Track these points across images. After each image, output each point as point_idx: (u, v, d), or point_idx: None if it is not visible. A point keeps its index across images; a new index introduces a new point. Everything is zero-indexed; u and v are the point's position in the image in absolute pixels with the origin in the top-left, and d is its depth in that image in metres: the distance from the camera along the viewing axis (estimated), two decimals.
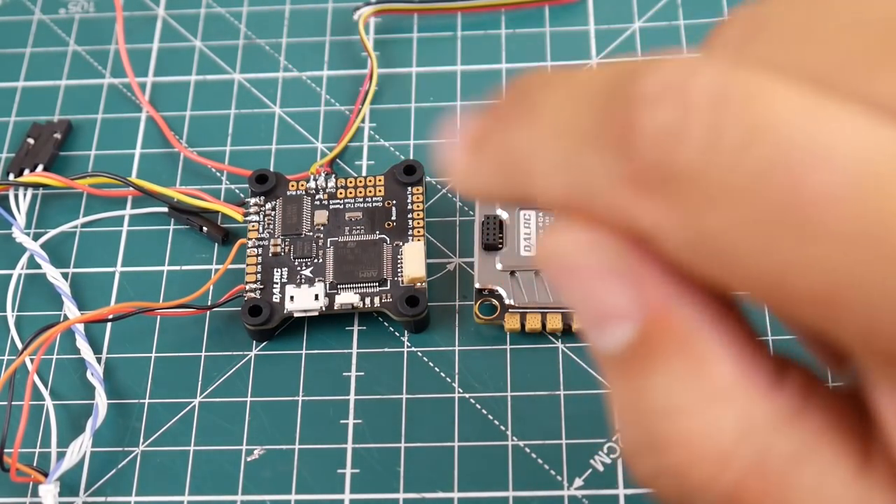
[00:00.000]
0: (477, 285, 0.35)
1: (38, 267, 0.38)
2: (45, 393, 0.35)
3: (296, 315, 0.36)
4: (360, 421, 0.34)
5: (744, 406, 0.18)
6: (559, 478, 0.33)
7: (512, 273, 0.35)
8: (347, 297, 0.35)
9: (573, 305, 0.18)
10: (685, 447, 0.18)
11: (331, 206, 0.37)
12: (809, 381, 0.19)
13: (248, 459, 0.34)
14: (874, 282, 0.16)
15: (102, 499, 0.34)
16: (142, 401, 0.35)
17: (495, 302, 0.35)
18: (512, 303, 0.35)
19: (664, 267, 0.18)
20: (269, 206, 0.38)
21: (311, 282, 0.36)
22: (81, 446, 0.33)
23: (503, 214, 0.36)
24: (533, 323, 0.35)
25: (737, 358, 0.18)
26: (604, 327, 0.18)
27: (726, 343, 0.18)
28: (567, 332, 0.35)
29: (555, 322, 0.34)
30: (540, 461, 0.33)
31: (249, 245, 0.37)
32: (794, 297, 0.17)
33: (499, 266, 0.35)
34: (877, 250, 0.16)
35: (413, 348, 0.35)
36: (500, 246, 0.35)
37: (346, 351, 0.36)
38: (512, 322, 0.35)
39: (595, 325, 0.18)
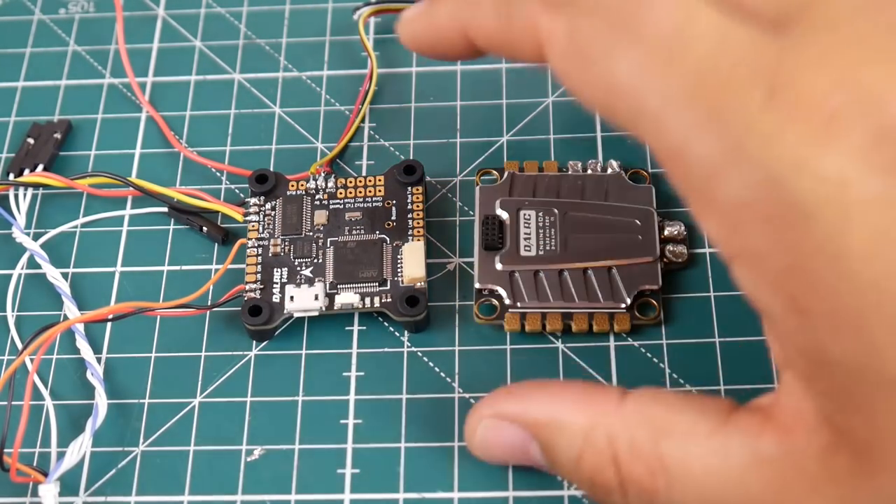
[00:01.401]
0: (477, 285, 0.35)
1: (38, 267, 0.38)
2: (45, 393, 0.35)
3: (296, 315, 0.36)
4: (360, 421, 0.34)
5: (603, 427, 0.27)
6: (559, 478, 0.33)
7: (512, 273, 0.35)
8: (347, 297, 0.35)
9: (508, 462, 0.31)
10: (596, 470, 0.28)
11: (331, 206, 0.37)
12: (653, 389, 0.28)
13: (248, 459, 0.34)
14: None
15: (102, 499, 0.34)
16: (142, 401, 0.35)
17: (495, 302, 0.35)
18: (512, 303, 0.35)
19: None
20: (269, 206, 0.38)
21: (311, 282, 0.36)
22: (81, 446, 0.33)
23: (503, 214, 0.36)
24: (533, 323, 0.35)
25: (584, 407, 0.28)
26: (529, 454, 0.30)
27: (574, 404, 0.28)
28: (567, 333, 0.35)
29: (555, 322, 0.34)
30: None
31: (249, 245, 0.37)
32: (616, 92, 0.25)
33: (499, 266, 0.35)
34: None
35: (413, 348, 0.35)
36: (501, 246, 0.35)
37: (346, 351, 0.36)
38: (512, 322, 0.35)
39: (525, 456, 0.30)
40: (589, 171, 0.37)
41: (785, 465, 0.25)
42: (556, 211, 0.36)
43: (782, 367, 0.26)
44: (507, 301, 0.35)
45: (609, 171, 0.37)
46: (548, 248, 0.35)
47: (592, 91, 0.26)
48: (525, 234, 0.36)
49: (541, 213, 0.36)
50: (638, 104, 0.25)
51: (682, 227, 0.36)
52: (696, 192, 0.24)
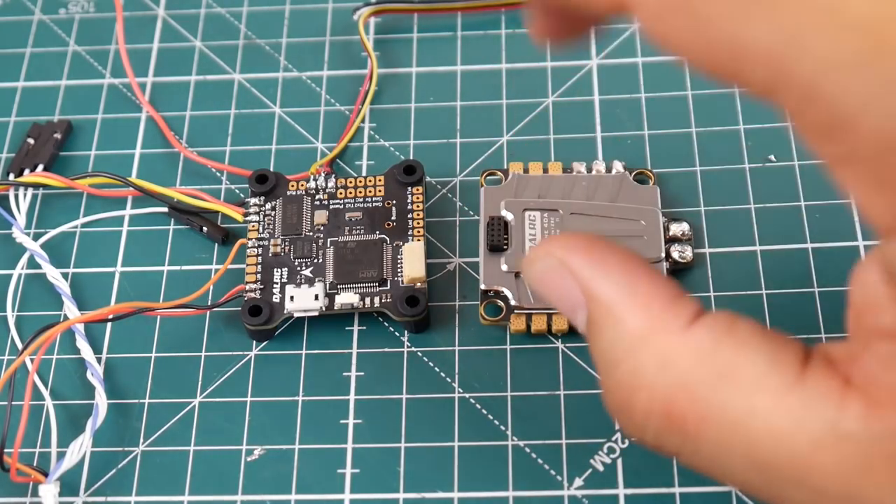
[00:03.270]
0: (482, 286, 0.35)
1: (38, 267, 0.38)
2: (45, 393, 0.35)
3: (296, 315, 0.36)
4: (360, 421, 0.34)
5: (658, 347, 0.24)
6: (559, 478, 0.33)
7: (517, 274, 0.35)
8: (347, 297, 0.35)
9: (552, 304, 0.27)
10: (625, 386, 0.24)
11: (331, 206, 0.37)
12: (728, 319, 0.24)
13: (248, 459, 0.34)
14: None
15: (102, 499, 0.34)
16: (142, 401, 0.35)
17: (500, 303, 0.35)
18: (517, 304, 0.35)
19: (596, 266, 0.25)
20: (269, 206, 0.38)
21: (311, 282, 0.36)
22: (81, 446, 0.33)
23: (508, 215, 0.36)
24: (539, 324, 0.35)
25: (648, 312, 0.24)
26: (575, 315, 0.26)
27: (640, 304, 0.25)
28: (573, 333, 0.35)
29: (560, 323, 0.34)
30: (540, 461, 0.33)
31: (249, 245, 0.37)
32: (747, 57, 0.21)
33: (504, 267, 0.35)
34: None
35: (413, 348, 0.35)
36: (506, 247, 0.35)
37: (346, 351, 0.36)
38: (517, 323, 0.35)
39: (571, 314, 0.26)
40: (594, 172, 0.37)
41: (869, 447, 0.22)
42: (560, 212, 0.36)
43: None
44: (512, 302, 0.35)
45: (614, 171, 0.37)
46: None
47: (707, 54, 0.22)
48: (530, 234, 0.36)
49: (546, 214, 0.36)
50: (781, 70, 0.21)
51: (688, 228, 0.36)
52: (866, 168, 0.21)
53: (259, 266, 0.36)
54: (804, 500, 0.23)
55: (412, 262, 0.36)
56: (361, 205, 0.37)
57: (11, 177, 0.39)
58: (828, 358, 0.24)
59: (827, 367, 0.23)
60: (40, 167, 0.40)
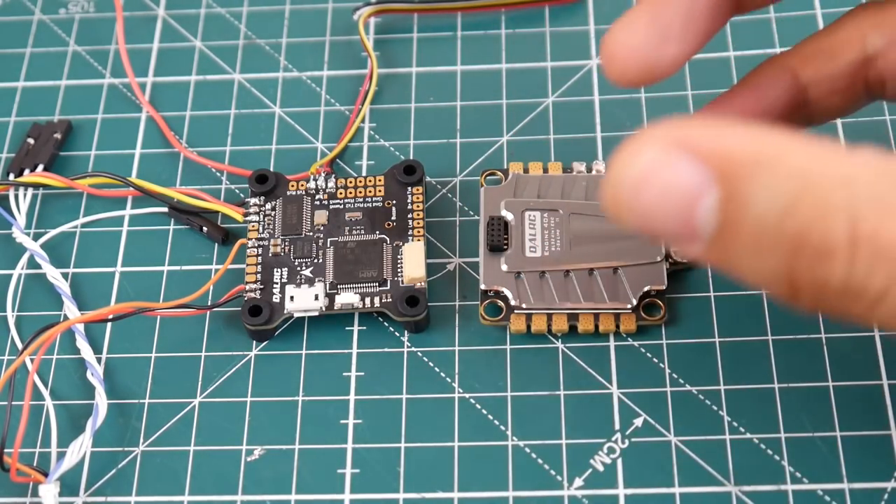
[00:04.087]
0: (482, 286, 0.35)
1: (38, 267, 0.38)
2: (45, 393, 0.35)
3: (296, 315, 0.36)
4: (360, 421, 0.34)
5: (837, 170, 0.21)
6: (559, 478, 0.33)
7: (517, 274, 0.35)
8: (347, 297, 0.35)
9: (656, 215, 0.22)
10: (814, 225, 0.21)
11: (331, 206, 0.37)
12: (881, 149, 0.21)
13: (248, 459, 0.34)
14: None
15: (102, 499, 0.34)
16: (142, 401, 0.35)
17: (500, 303, 0.35)
18: (517, 304, 0.35)
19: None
20: (269, 206, 0.38)
21: (311, 282, 0.36)
22: (81, 446, 0.33)
23: (508, 216, 0.36)
24: (538, 324, 0.35)
25: (805, 146, 0.21)
26: (695, 210, 0.21)
27: (791, 142, 0.21)
28: (572, 333, 0.35)
29: (560, 323, 0.34)
30: (540, 461, 0.33)
31: (249, 245, 0.37)
32: None
33: (504, 267, 0.35)
34: None
35: (413, 348, 0.35)
36: (506, 247, 0.35)
37: (346, 351, 0.36)
38: (518, 323, 0.35)
39: (689, 211, 0.21)
40: (594, 172, 0.37)
41: None
42: (561, 212, 0.36)
43: None
44: (512, 302, 0.35)
45: None
46: (553, 248, 0.35)
47: None
48: (530, 235, 0.36)
49: (546, 214, 0.36)
50: None
51: None
52: None
53: (259, 266, 0.36)
54: None
55: (412, 262, 0.36)
56: (361, 205, 0.37)
57: (11, 177, 0.39)
58: None
59: None
60: (40, 167, 0.40)
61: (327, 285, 0.36)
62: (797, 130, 0.27)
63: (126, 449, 0.34)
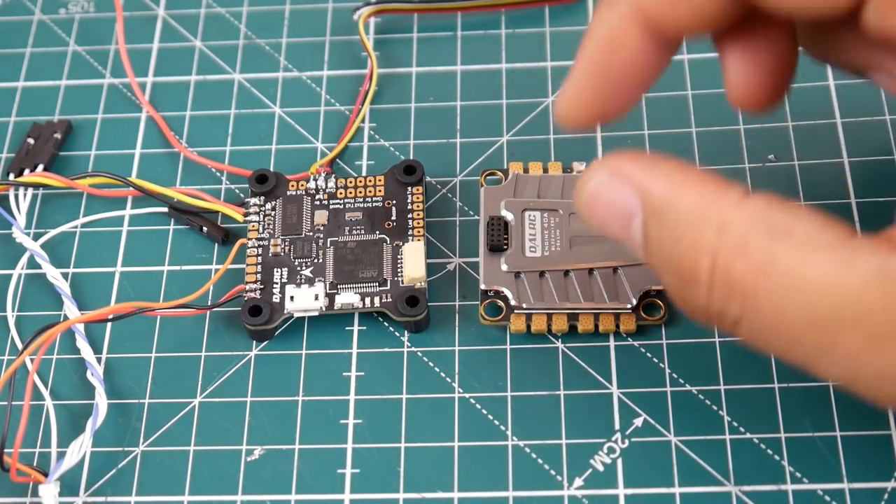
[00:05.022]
0: (482, 286, 0.35)
1: (38, 267, 0.38)
2: (45, 393, 0.35)
3: (296, 315, 0.36)
4: (360, 421, 0.34)
5: (717, 216, 0.26)
6: (559, 478, 0.33)
7: (517, 274, 0.35)
8: (347, 297, 0.35)
9: (605, 224, 0.28)
10: (687, 260, 0.26)
11: (331, 206, 0.37)
12: (780, 197, 0.26)
13: (248, 459, 0.34)
14: None
15: (102, 499, 0.34)
16: (142, 401, 0.35)
17: (500, 303, 0.35)
18: (517, 304, 0.35)
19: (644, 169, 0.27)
20: (269, 206, 0.38)
21: (311, 282, 0.36)
22: (81, 446, 0.33)
23: (508, 215, 0.36)
24: (538, 324, 0.35)
25: (702, 191, 0.26)
26: (629, 226, 0.27)
27: (694, 186, 0.26)
28: (572, 333, 0.35)
29: (560, 323, 0.34)
30: (540, 461, 0.33)
31: (249, 245, 0.37)
32: None
33: (504, 267, 0.35)
34: None
35: (413, 348, 0.35)
36: (506, 247, 0.35)
37: (346, 351, 0.36)
38: (518, 323, 0.35)
39: (625, 226, 0.27)
40: None
41: None
42: (560, 212, 0.36)
43: None
44: (512, 302, 0.35)
45: None
46: (553, 248, 0.35)
47: None
48: (530, 234, 0.36)
49: (546, 214, 0.36)
50: None
51: None
52: None
53: (259, 266, 0.36)
54: (858, 345, 0.24)
55: (412, 262, 0.36)
56: (361, 205, 0.37)
57: (11, 177, 0.39)
58: (881, 235, 0.26)
59: (877, 236, 0.25)
60: (40, 167, 0.40)
61: (327, 285, 0.36)
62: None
63: (126, 449, 0.34)
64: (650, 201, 0.27)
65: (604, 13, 0.29)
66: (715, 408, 0.33)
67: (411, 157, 0.39)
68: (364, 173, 0.39)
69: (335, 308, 0.35)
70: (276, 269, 0.36)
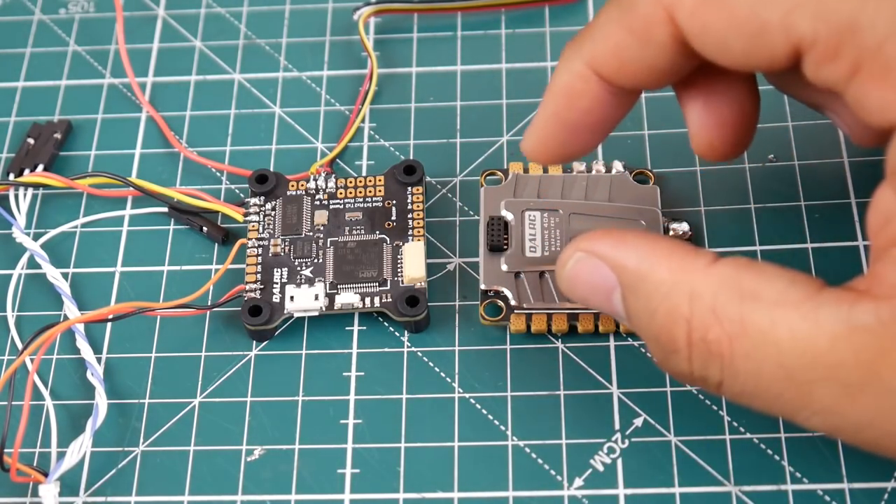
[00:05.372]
0: (482, 286, 0.35)
1: (38, 267, 0.38)
2: (45, 393, 0.35)
3: (296, 315, 0.36)
4: (360, 421, 0.34)
5: (686, 285, 0.27)
6: (559, 478, 0.33)
7: (517, 274, 0.35)
8: (347, 297, 0.35)
9: (588, 301, 0.30)
10: (665, 329, 0.27)
11: (331, 206, 0.37)
12: (747, 258, 0.27)
13: (248, 459, 0.34)
14: None
15: (102, 499, 0.34)
16: (142, 401, 0.35)
17: (500, 303, 0.35)
18: (517, 304, 0.35)
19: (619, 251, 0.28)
20: (269, 206, 0.38)
21: (311, 282, 0.36)
22: (81, 446, 0.33)
23: (508, 215, 0.36)
24: (539, 324, 0.35)
25: (670, 263, 0.27)
26: (611, 299, 0.29)
27: (663, 259, 0.27)
28: (572, 333, 0.35)
29: (560, 323, 0.34)
30: (540, 461, 0.33)
31: (249, 245, 0.37)
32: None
33: (504, 267, 0.35)
34: None
35: (413, 348, 0.35)
36: (506, 247, 0.35)
37: (346, 351, 0.36)
38: (517, 323, 0.35)
39: (607, 300, 0.29)
40: (593, 172, 0.37)
41: (881, 332, 0.25)
42: (560, 212, 0.36)
43: (889, 245, 0.26)
44: (512, 302, 0.35)
45: (614, 171, 0.37)
46: (553, 248, 0.35)
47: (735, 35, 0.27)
48: (530, 234, 0.36)
49: (546, 214, 0.36)
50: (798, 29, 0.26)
51: (688, 227, 0.36)
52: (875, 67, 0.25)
53: (259, 266, 0.36)
54: (834, 396, 0.25)
55: (412, 262, 0.36)
56: (361, 205, 0.37)
57: (11, 177, 0.39)
58: (847, 286, 0.26)
59: (843, 288, 0.26)
60: (40, 167, 0.40)
61: (327, 285, 0.36)
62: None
63: (126, 449, 0.34)
64: (625, 275, 0.28)
65: (564, 62, 0.30)
66: (715, 408, 0.33)
67: (411, 157, 0.39)
68: (364, 173, 0.39)
69: (335, 308, 0.35)
70: (276, 269, 0.36)
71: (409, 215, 0.37)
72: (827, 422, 0.26)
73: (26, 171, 0.40)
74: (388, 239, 0.37)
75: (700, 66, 0.29)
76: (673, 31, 0.28)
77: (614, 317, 0.30)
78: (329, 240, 0.37)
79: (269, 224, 0.37)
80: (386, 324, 0.36)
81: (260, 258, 0.36)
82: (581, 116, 0.31)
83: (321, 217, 0.37)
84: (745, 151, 0.32)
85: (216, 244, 0.38)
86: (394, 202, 0.37)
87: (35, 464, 0.34)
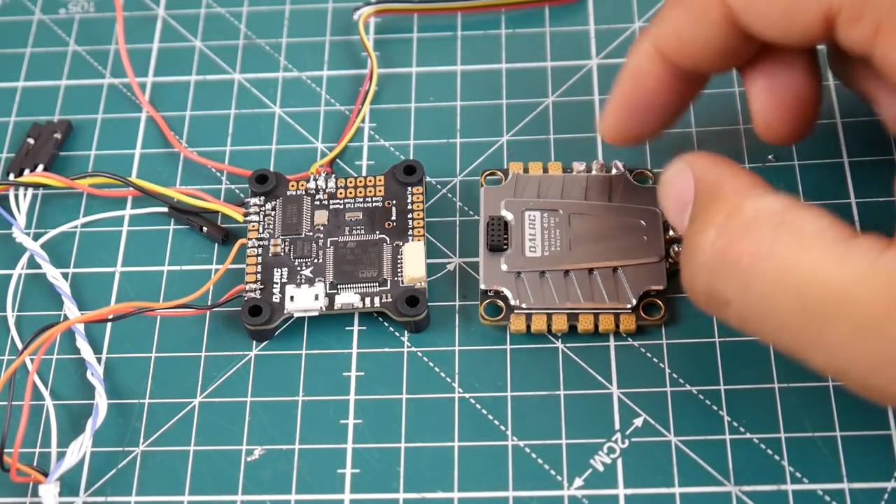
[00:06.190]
0: (482, 286, 0.35)
1: (38, 267, 0.38)
2: (45, 393, 0.35)
3: (296, 315, 0.36)
4: (360, 421, 0.34)
5: (733, 201, 0.28)
6: (559, 478, 0.33)
7: (517, 274, 0.35)
8: (347, 297, 0.35)
9: (667, 209, 0.31)
10: (700, 226, 0.28)
11: (331, 206, 0.37)
12: (802, 202, 0.28)
13: (248, 459, 0.34)
14: None
15: (102, 499, 0.34)
16: (142, 401, 0.35)
17: (500, 303, 0.35)
18: (517, 304, 0.35)
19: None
20: (269, 206, 0.38)
21: (311, 282, 0.36)
22: (81, 446, 0.33)
23: (508, 215, 0.36)
24: (538, 324, 0.35)
25: (738, 182, 0.29)
26: (683, 214, 0.30)
27: (736, 178, 0.29)
28: (572, 333, 0.35)
29: (560, 323, 0.34)
30: (540, 461, 0.33)
31: (249, 245, 0.37)
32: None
33: (504, 267, 0.35)
34: None
35: (413, 348, 0.35)
36: (506, 247, 0.35)
37: (346, 351, 0.36)
38: (517, 323, 0.35)
39: (680, 214, 0.30)
40: (593, 172, 0.37)
41: None
42: (560, 212, 0.36)
43: None
44: (512, 302, 0.35)
45: (613, 171, 0.37)
46: (553, 248, 0.35)
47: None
48: (530, 234, 0.36)
49: (546, 214, 0.36)
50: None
51: None
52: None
53: (259, 266, 0.36)
54: (846, 336, 0.25)
55: (412, 262, 0.36)
56: (361, 205, 0.37)
57: (11, 177, 0.39)
58: (880, 235, 0.26)
59: (876, 236, 0.26)
60: (40, 167, 0.40)
61: (327, 285, 0.36)
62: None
63: (126, 449, 0.34)
64: (700, 186, 0.30)
65: (635, 45, 0.33)
66: (715, 408, 0.33)
67: (411, 157, 0.39)
68: (364, 173, 0.39)
69: (335, 308, 0.35)
70: (276, 269, 0.36)
71: (409, 215, 0.37)
72: (834, 362, 0.26)
73: (26, 171, 0.40)
74: (388, 239, 0.37)
75: (760, 49, 0.31)
76: (724, 10, 0.30)
77: (679, 232, 0.31)
78: (329, 240, 0.37)
79: (269, 224, 0.37)
80: (386, 324, 0.36)
81: (260, 258, 0.36)
82: (647, 97, 0.33)
83: (321, 217, 0.37)
84: (806, 137, 0.33)
85: (216, 244, 0.38)
86: (394, 202, 0.37)
87: (35, 464, 0.34)
